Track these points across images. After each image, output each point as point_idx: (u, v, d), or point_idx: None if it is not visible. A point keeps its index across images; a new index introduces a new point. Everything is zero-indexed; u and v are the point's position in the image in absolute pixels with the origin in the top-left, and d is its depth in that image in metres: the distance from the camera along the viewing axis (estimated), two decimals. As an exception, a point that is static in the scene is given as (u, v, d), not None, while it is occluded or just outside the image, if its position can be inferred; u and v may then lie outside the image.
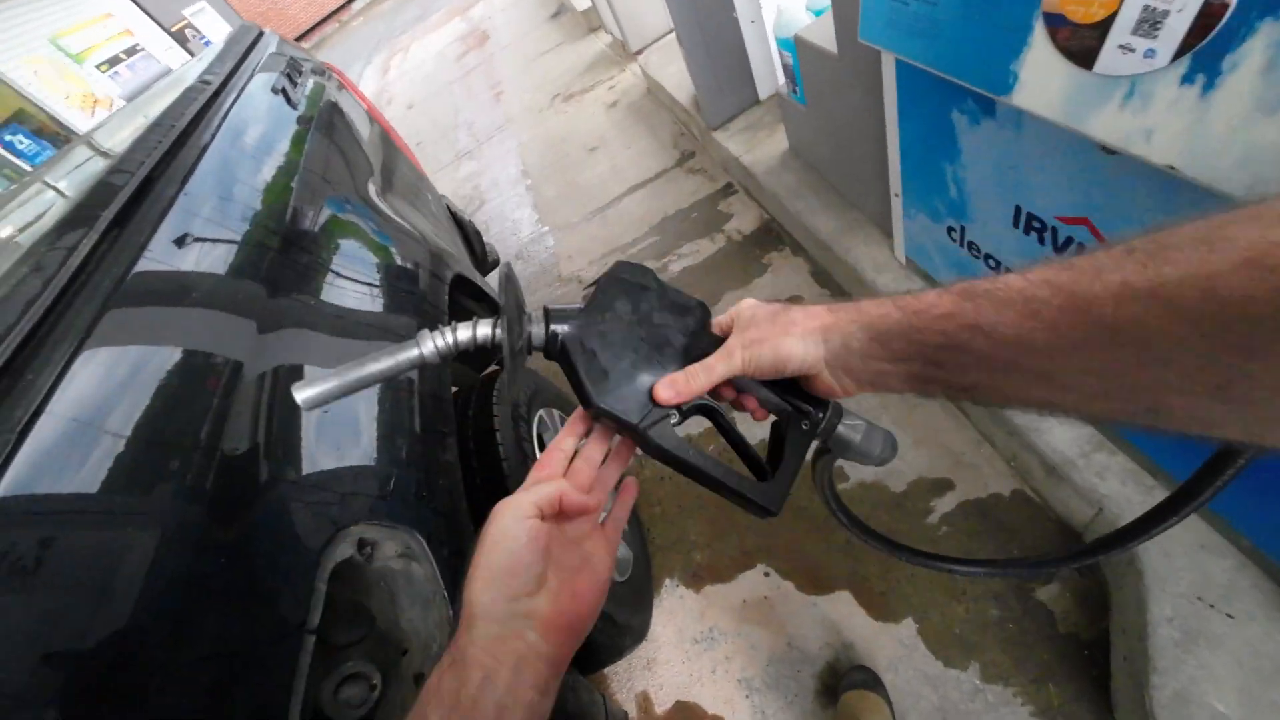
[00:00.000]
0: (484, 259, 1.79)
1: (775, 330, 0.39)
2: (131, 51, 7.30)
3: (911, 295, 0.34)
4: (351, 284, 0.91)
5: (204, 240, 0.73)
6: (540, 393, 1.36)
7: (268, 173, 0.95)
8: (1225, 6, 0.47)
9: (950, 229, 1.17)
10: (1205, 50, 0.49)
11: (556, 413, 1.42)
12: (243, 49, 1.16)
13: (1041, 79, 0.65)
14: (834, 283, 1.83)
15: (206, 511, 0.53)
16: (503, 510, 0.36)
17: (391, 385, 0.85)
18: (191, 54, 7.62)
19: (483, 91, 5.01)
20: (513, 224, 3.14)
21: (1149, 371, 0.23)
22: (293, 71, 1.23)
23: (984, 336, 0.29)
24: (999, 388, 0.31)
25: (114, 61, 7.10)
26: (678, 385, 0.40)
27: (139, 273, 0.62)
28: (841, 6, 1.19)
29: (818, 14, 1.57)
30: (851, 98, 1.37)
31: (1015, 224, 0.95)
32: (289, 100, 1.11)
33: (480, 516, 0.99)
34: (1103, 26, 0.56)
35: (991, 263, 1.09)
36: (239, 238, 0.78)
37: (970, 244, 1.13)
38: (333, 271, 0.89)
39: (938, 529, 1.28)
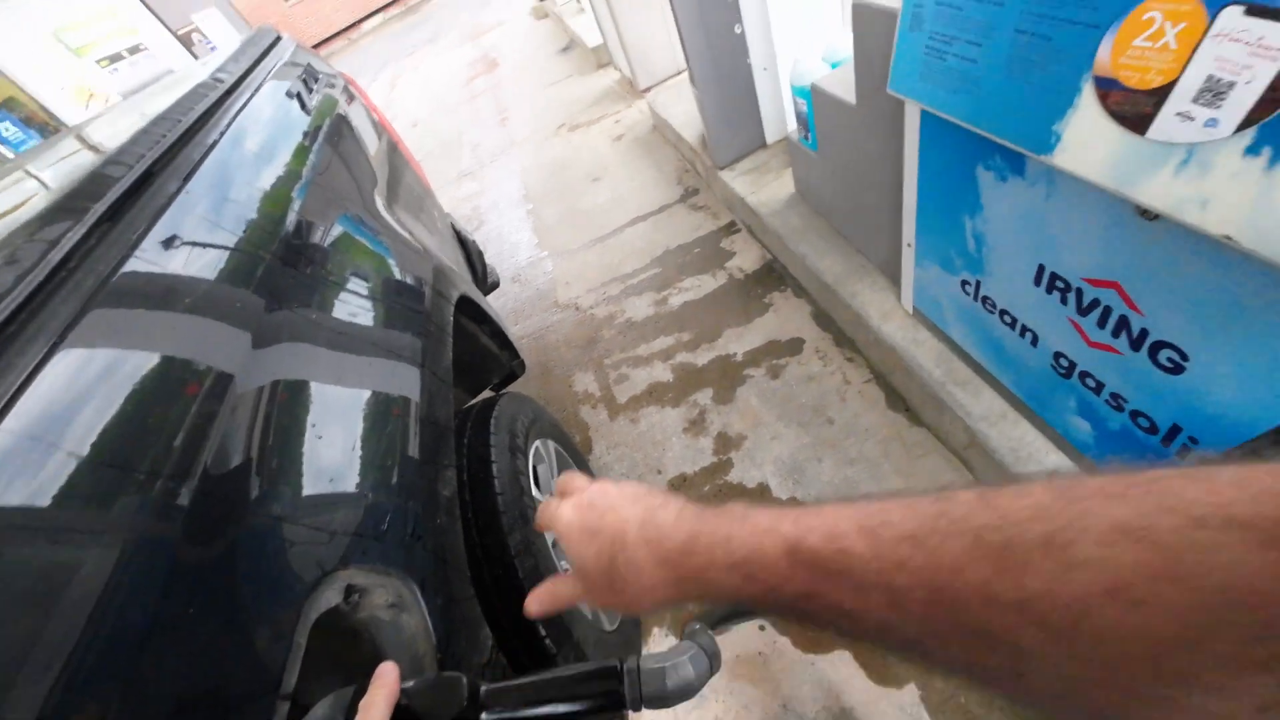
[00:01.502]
0: (485, 279, 1.75)
1: (613, 595, 0.37)
2: (135, 50, 7.26)
3: (753, 557, 0.30)
4: (356, 298, 0.85)
5: (202, 244, 0.67)
6: (537, 422, 1.30)
7: (273, 178, 0.90)
8: (1294, 81, 0.46)
9: (965, 282, 1.17)
10: (1275, 123, 0.48)
11: (553, 444, 1.36)
12: (260, 50, 1.12)
13: (1087, 141, 0.65)
14: (836, 327, 1.83)
15: (173, 545, 0.46)
16: None
17: (390, 405, 0.79)
18: (196, 58, 7.61)
19: (489, 115, 5.07)
20: (511, 246, 3.12)
21: (1028, 673, 0.22)
22: (309, 78, 1.19)
23: (849, 620, 0.27)
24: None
25: (115, 58, 7.04)
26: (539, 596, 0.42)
27: (128, 272, 0.56)
28: (865, 58, 1.21)
29: (834, 65, 1.61)
30: (867, 147, 1.39)
31: (1037, 282, 0.95)
32: (303, 106, 1.08)
33: (474, 559, 0.92)
34: (1160, 93, 0.55)
35: (1007, 318, 1.09)
36: (239, 243, 0.73)
37: (985, 298, 1.13)
38: (336, 285, 0.84)
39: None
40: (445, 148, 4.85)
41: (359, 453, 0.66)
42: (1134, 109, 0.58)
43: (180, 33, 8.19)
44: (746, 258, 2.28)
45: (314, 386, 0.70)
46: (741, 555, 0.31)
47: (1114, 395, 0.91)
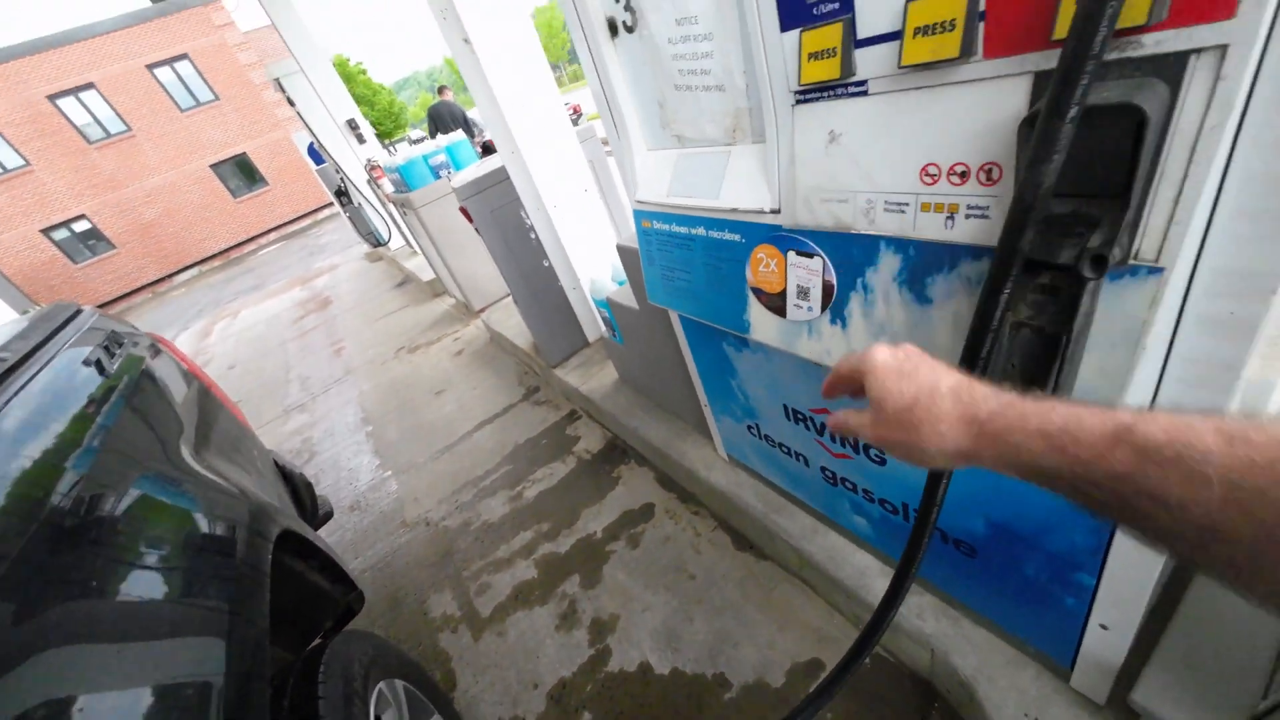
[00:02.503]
0: (314, 512, 1.63)
1: (903, 433, 0.40)
2: None
3: (1070, 427, 0.31)
4: (144, 573, 0.79)
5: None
6: (379, 661, 1.15)
7: (51, 454, 0.85)
8: (834, 286, 0.82)
9: (749, 426, 1.46)
10: (833, 307, 0.82)
11: (401, 685, 1.20)
12: (53, 325, 1.12)
13: (762, 323, 0.98)
14: (677, 485, 2.02)
15: None
16: None
17: (183, 697, 0.69)
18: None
19: (322, 348, 5.07)
20: (349, 472, 2.93)
21: None
22: (111, 343, 1.19)
23: (1166, 512, 0.26)
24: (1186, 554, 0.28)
25: None
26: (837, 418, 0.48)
27: None
28: (633, 280, 1.63)
29: (620, 283, 2.07)
30: (656, 338, 1.76)
31: (787, 417, 1.26)
32: (102, 371, 1.06)
33: None
34: (782, 295, 0.90)
35: (784, 449, 1.37)
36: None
37: (766, 436, 1.42)
38: (120, 561, 0.77)
39: (824, 715, 1.26)
40: (269, 386, 4.63)
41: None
42: (773, 304, 0.93)
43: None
44: (591, 440, 2.47)
45: (84, 701, 0.61)
46: (1058, 425, 0.31)
47: (865, 491, 1.18)
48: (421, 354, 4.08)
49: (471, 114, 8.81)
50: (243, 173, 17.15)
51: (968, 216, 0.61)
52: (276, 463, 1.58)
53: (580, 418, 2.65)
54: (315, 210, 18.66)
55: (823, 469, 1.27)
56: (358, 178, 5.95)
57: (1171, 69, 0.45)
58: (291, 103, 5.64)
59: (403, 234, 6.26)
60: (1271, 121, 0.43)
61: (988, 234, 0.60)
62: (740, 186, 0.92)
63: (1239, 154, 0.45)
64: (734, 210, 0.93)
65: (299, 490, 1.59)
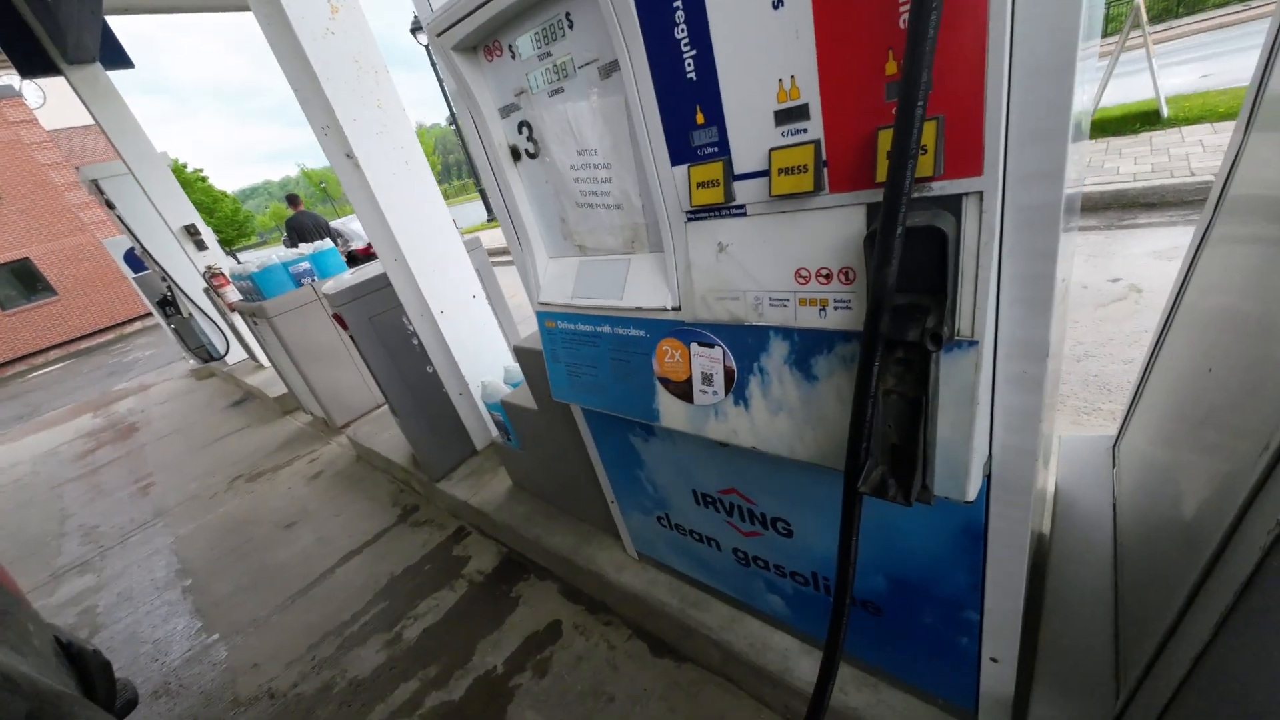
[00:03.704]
0: (112, 701, 1.22)
1: None
2: None
3: None
4: None
5: None
6: None
7: None
8: (734, 370, 0.92)
9: (659, 518, 1.47)
10: (735, 390, 0.92)
11: None
12: None
13: (670, 410, 1.05)
14: (585, 596, 1.89)
15: None
16: None
17: None
18: None
19: (119, 488, 4.08)
20: (154, 646, 2.27)
21: None
22: None
23: None
24: None
25: None
26: None
27: None
28: (533, 379, 1.64)
29: (514, 385, 2.05)
30: (557, 437, 1.74)
31: (697, 502, 1.30)
32: None
33: None
34: (688, 383, 0.98)
35: (695, 535, 1.39)
36: None
37: (676, 525, 1.43)
38: None
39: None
40: (31, 546, 3.54)
41: None
42: (680, 391, 1.00)
43: None
44: (483, 558, 2.25)
45: None
46: None
47: (777, 566, 1.23)
48: (266, 481, 3.49)
49: (335, 223, 8.53)
50: (19, 280, 14.28)
51: (836, 308, 0.76)
52: (59, 639, 1.19)
53: (469, 535, 2.42)
54: (124, 323, 15.92)
55: (735, 550, 1.31)
56: (192, 286, 5.31)
57: (953, 205, 0.64)
58: (111, 205, 5.02)
59: (245, 346, 5.57)
60: (1019, 239, 0.63)
61: (853, 321, 0.75)
62: (642, 288, 1.02)
63: (1006, 260, 0.64)
64: (638, 309, 1.02)
65: (91, 674, 1.19)
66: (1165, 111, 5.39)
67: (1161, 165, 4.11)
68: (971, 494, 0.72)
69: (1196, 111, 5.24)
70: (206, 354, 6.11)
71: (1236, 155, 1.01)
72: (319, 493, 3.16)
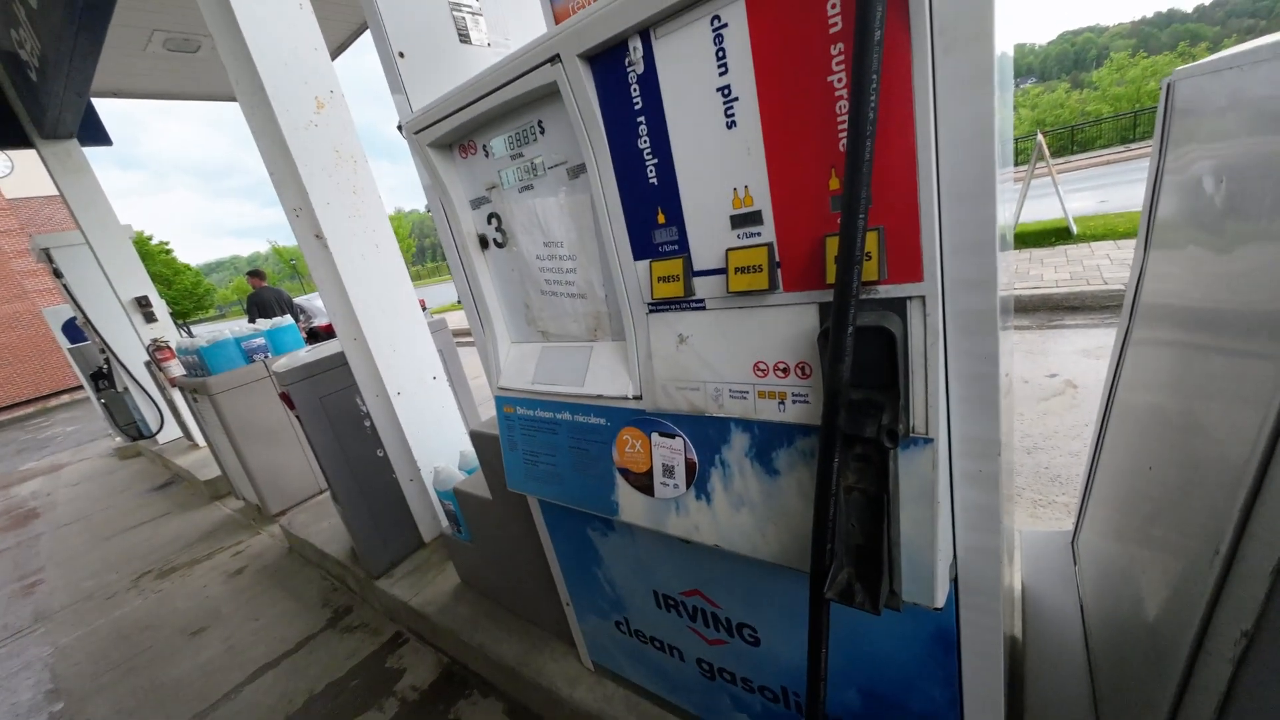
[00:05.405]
0: None
1: None
2: None
3: None
4: None
5: None
6: None
7: None
8: (696, 463, 0.89)
9: (617, 623, 1.35)
10: (697, 483, 0.88)
11: None
12: None
13: (630, 503, 1.00)
14: (533, 715, 1.68)
15: None
16: None
17: None
18: None
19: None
20: (-5, 795, 1.85)
21: None
22: None
23: None
24: None
25: None
26: None
27: None
28: (490, 467, 1.55)
29: (469, 471, 1.95)
30: (511, 530, 1.63)
31: (658, 605, 1.20)
32: None
33: None
34: (648, 475, 0.95)
35: (656, 643, 1.27)
36: None
37: (636, 632, 1.31)
38: None
39: None
40: None
41: None
42: (640, 483, 0.96)
43: None
44: (419, 671, 2.00)
45: None
46: None
47: (744, 680, 1.13)
48: (178, 579, 3.10)
49: (299, 300, 8.42)
50: (-69, 348, 13.23)
51: (794, 402, 0.76)
52: None
53: (406, 642, 2.17)
54: (47, 396, 14.77)
55: (699, 661, 1.20)
56: (134, 359, 5.03)
57: (898, 307, 0.67)
58: (58, 274, 4.84)
59: (181, 424, 5.20)
60: (962, 341, 0.66)
61: (811, 415, 0.75)
62: (604, 376, 1.01)
63: (951, 360, 0.67)
64: (599, 396, 1.01)
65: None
66: (1074, 229, 6.12)
67: (1079, 274, 4.58)
68: (940, 599, 0.69)
69: (1100, 230, 5.98)
70: (137, 431, 5.65)
71: (1141, 269, 1.12)
72: (238, 592, 2.81)
